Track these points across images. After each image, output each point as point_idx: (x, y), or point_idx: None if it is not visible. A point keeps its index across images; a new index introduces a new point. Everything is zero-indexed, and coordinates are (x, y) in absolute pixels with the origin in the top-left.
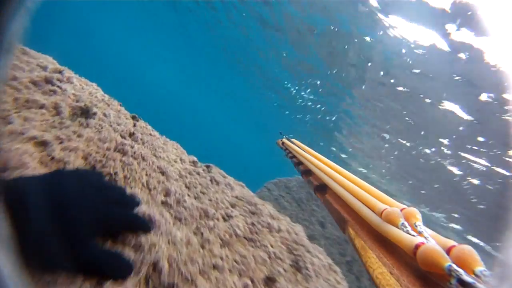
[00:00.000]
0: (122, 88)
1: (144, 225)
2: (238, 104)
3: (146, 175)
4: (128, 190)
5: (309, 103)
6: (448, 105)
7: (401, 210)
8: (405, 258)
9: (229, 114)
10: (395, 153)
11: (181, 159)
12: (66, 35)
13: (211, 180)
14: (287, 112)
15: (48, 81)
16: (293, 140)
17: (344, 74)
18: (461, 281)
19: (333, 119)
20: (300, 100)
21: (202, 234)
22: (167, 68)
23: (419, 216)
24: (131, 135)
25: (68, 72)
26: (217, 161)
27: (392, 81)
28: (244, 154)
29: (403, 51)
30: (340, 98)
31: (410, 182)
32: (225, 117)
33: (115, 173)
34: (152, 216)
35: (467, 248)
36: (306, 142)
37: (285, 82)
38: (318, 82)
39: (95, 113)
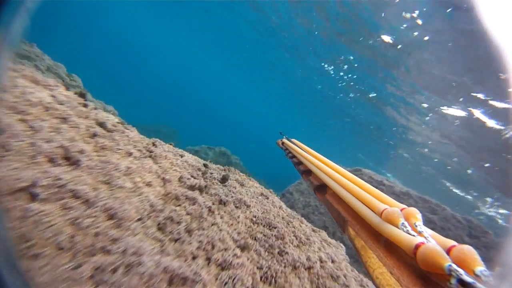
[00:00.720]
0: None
1: None
2: (279, 89)
3: (73, 224)
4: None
5: (351, 83)
6: None
7: (401, 210)
8: (405, 258)
9: (268, 104)
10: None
11: (164, 179)
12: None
13: (209, 208)
14: (331, 93)
15: None
16: (293, 140)
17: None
18: (461, 281)
19: (373, 95)
20: (340, 81)
21: None
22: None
23: (419, 216)
24: (68, 158)
25: None
26: (261, 152)
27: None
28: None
29: None
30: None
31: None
32: (265, 107)
33: None
34: None
35: (467, 248)
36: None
37: (322, 64)
38: (351, 57)
39: (3, 130)
